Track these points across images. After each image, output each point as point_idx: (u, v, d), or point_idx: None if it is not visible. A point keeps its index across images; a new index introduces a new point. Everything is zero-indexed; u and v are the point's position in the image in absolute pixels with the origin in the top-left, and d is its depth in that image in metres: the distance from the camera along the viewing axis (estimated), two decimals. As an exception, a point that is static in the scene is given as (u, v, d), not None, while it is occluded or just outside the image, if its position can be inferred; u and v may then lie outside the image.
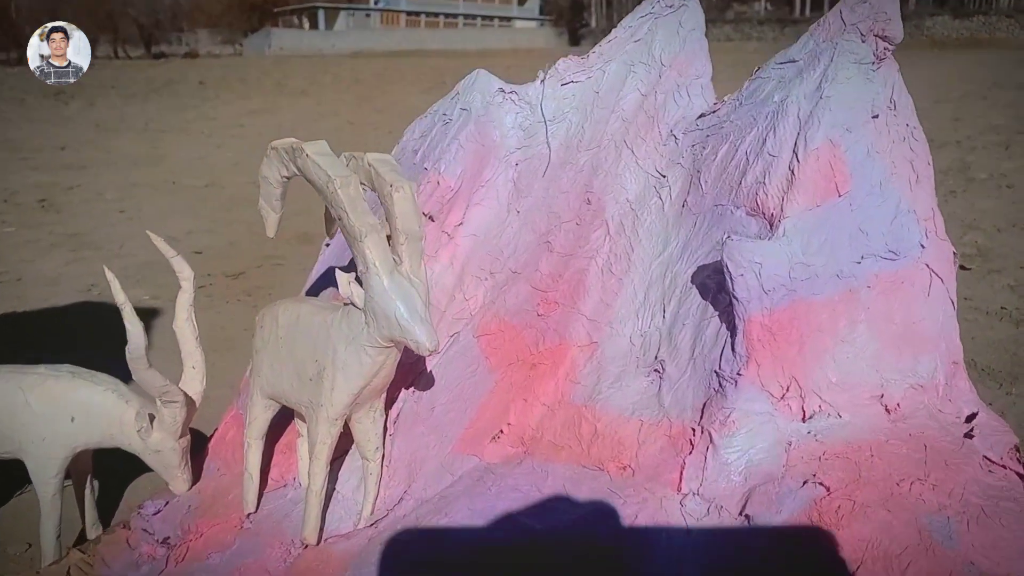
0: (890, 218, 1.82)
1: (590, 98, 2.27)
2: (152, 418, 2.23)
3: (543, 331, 2.01)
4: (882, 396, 1.77)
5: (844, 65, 1.81)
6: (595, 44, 2.40)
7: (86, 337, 4.12)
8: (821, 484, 1.60)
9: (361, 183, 1.78)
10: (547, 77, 2.34)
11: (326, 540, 1.89)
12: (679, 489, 1.69)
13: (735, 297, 1.73)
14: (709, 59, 2.22)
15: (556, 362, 1.95)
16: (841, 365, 1.76)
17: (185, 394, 2.27)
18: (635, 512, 1.64)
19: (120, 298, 2.17)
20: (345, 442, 2.08)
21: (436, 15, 50.57)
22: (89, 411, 2.22)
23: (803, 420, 1.72)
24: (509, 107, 2.33)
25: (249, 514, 2.06)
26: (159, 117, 14.50)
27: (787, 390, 1.72)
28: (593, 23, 57.14)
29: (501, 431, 1.91)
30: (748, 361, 1.71)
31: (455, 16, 51.09)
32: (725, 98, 2.08)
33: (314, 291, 2.54)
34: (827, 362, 1.75)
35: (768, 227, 1.81)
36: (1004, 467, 1.69)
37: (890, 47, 1.81)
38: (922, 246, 1.83)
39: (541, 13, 55.88)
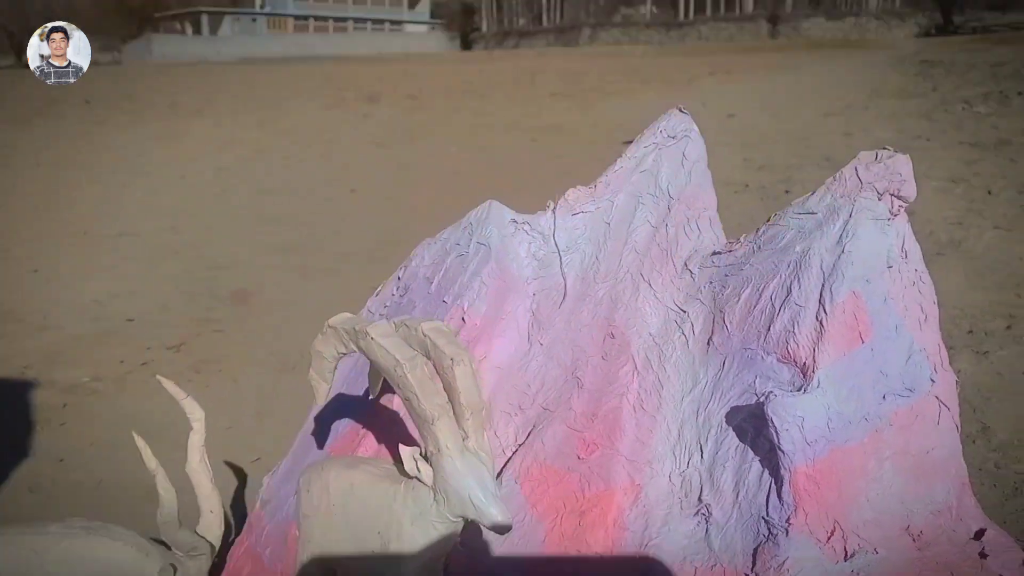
0: (905, 358, 1.97)
1: (601, 229, 2.35)
2: (175, 568, 2.20)
3: (587, 476, 2.08)
4: (908, 527, 1.92)
5: (862, 221, 1.96)
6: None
7: (41, 434, 3.95)
8: (874, 626, 1.74)
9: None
10: (557, 207, 2.41)
11: None
12: (741, 637, 1.80)
13: (781, 450, 1.85)
14: (714, 191, 2.33)
15: (604, 510, 2.03)
16: (873, 503, 1.90)
17: (209, 543, 2.24)
18: (704, 666, 1.73)
19: (152, 464, 2.14)
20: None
21: (325, 19, 49.69)
22: (109, 570, 2.16)
23: (845, 559, 1.85)
24: (522, 237, 2.39)
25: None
26: (49, 146, 13.79)
27: (832, 534, 1.85)
28: (484, 27, 57.41)
29: (560, 585, 1.97)
30: (796, 510, 1.84)
31: (344, 20, 50.31)
32: (740, 239, 2.19)
33: (323, 421, 2.53)
34: (862, 502, 1.89)
35: (800, 375, 1.94)
36: None
37: (904, 204, 1.97)
38: (932, 380, 1.99)
39: (432, 17, 55.69)
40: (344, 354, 1.88)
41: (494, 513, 1.70)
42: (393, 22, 53.49)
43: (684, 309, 2.20)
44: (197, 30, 47.51)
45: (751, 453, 1.96)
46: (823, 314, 1.93)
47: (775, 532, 1.85)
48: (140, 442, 2.11)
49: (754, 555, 1.87)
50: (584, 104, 19.77)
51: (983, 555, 1.92)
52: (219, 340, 5.32)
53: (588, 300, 2.29)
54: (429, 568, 1.88)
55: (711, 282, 2.18)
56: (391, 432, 2.28)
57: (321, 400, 1.99)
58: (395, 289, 2.56)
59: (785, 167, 9.64)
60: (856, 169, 2.02)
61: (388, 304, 2.55)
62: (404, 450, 1.79)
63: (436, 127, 16.44)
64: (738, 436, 1.99)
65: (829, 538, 1.85)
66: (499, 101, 21.44)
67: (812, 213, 2.05)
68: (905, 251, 1.99)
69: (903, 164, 1.97)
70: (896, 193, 1.96)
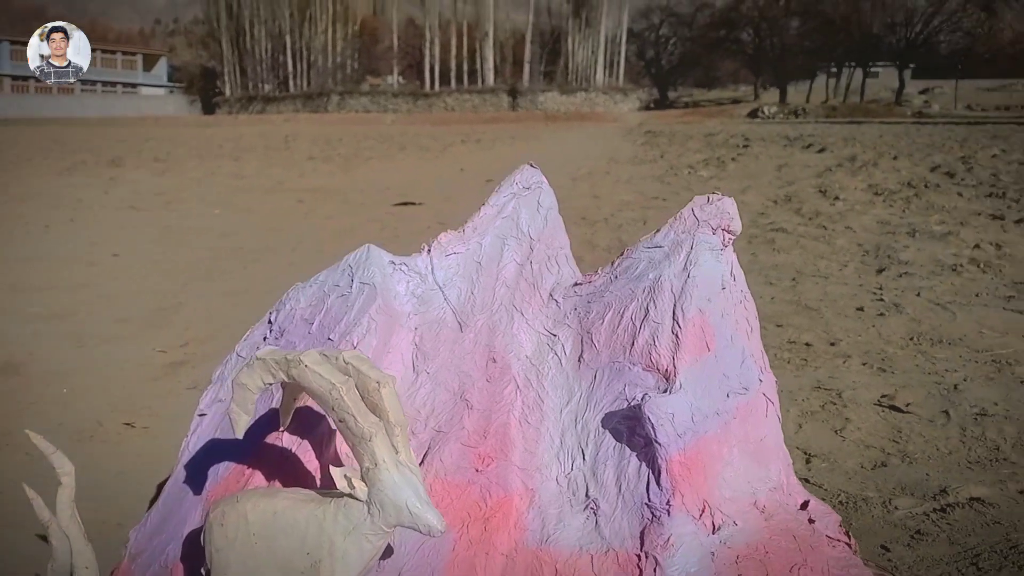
0: (739, 363, 2.39)
1: (473, 267, 2.60)
2: None
3: (486, 486, 2.28)
4: (755, 502, 2.32)
5: (702, 252, 2.37)
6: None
7: None
8: (745, 583, 2.09)
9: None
10: (432, 249, 2.63)
11: None
12: (641, 608, 2.08)
13: (658, 443, 2.18)
14: (565, 233, 2.68)
15: (506, 513, 2.24)
16: (728, 483, 2.28)
17: None
18: (617, 636, 1.99)
19: (45, 515, 2.06)
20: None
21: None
22: None
23: (713, 532, 2.20)
24: (400, 276, 2.57)
25: None
26: None
27: (703, 512, 2.19)
28: (227, 92, 56.09)
29: (473, 585, 2.14)
30: (674, 493, 2.16)
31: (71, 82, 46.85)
32: (598, 270, 2.54)
33: (197, 466, 2.53)
34: (721, 483, 2.26)
35: (663, 379, 2.29)
36: (839, 540, 2.31)
37: (732, 237, 2.41)
38: (760, 380, 2.42)
39: (170, 80, 53.37)
40: (270, 385, 1.97)
41: (430, 518, 1.87)
42: (127, 85, 50.62)
43: (554, 333, 2.49)
44: None
45: (627, 451, 2.27)
46: (677, 328, 2.30)
47: (658, 514, 2.16)
48: (31, 493, 2.02)
49: (641, 537, 2.17)
50: (345, 168, 19.97)
51: (811, 520, 2.35)
52: (-1, 415, 4.86)
53: (468, 330, 2.52)
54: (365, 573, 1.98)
55: (575, 308, 2.50)
56: (283, 467, 2.34)
57: (240, 432, 2.04)
58: (268, 332, 2.63)
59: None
60: (692, 210, 2.44)
61: (261, 347, 2.61)
62: (336, 471, 1.91)
63: (192, 189, 15.85)
64: (615, 437, 2.30)
65: (701, 515, 2.19)
66: (255, 164, 21.09)
67: (659, 247, 2.44)
68: (734, 275, 2.43)
69: (730, 205, 2.42)
70: (727, 228, 2.40)
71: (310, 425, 2.36)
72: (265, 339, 2.64)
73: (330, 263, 2.75)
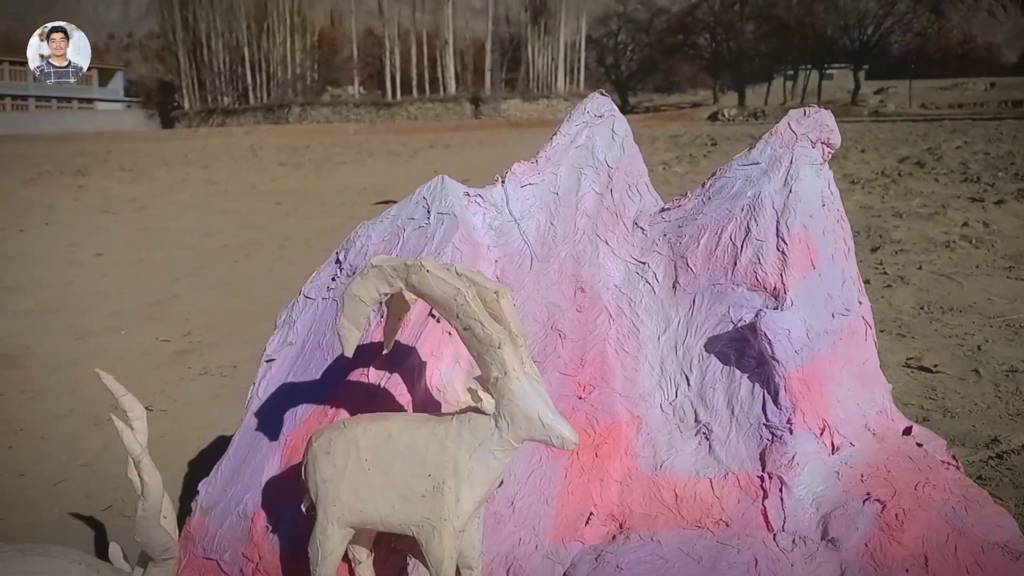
0: (840, 283, 2.30)
1: (550, 198, 2.49)
2: None
3: (592, 413, 2.16)
4: (866, 424, 2.23)
5: (802, 166, 2.28)
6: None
7: None
8: (876, 500, 1.99)
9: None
10: (506, 180, 2.50)
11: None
12: (770, 529, 1.97)
13: (775, 359, 2.08)
14: (643, 161, 2.57)
15: (616, 440, 2.12)
16: (842, 404, 2.19)
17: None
18: (752, 557, 1.88)
19: (136, 449, 1.90)
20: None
21: (1, 97, 44.92)
22: None
23: (833, 452, 2.10)
24: (476, 209, 2.45)
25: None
26: None
27: (823, 431, 2.10)
28: (186, 105, 55.16)
29: (591, 513, 2.02)
30: (795, 411, 2.07)
31: (25, 98, 45.81)
32: (687, 194, 2.44)
33: (270, 412, 2.38)
34: (835, 404, 2.17)
35: (771, 298, 2.19)
36: (950, 465, 2.23)
37: (831, 150, 2.32)
38: (860, 302, 2.34)
39: (127, 94, 52.46)
40: (385, 295, 1.83)
41: (563, 429, 1.74)
42: (82, 100, 49.64)
43: (643, 261, 2.39)
44: None
45: (737, 373, 2.16)
46: (783, 245, 2.21)
47: (779, 434, 2.06)
48: (120, 424, 1.86)
49: (762, 458, 2.07)
50: (317, 172, 19.71)
51: (919, 444, 2.27)
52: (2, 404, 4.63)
53: (552, 261, 2.40)
54: (484, 501, 1.85)
55: (665, 235, 2.39)
56: (370, 405, 2.20)
57: (349, 351, 1.90)
58: (338, 272, 2.48)
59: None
60: (789, 124, 2.35)
61: (332, 287, 2.47)
62: (458, 383, 1.78)
63: (165, 194, 15.53)
64: (721, 361, 2.20)
65: (821, 434, 2.09)
66: (226, 170, 20.75)
67: (756, 163, 2.34)
68: (832, 192, 2.34)
69: (828, 118, 2.34)
70: (826, 142, 2.32)
71: (398, 359, 2.22)
72: (335, 279, 2.49)
73: (321, 257, 2.64)
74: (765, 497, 2.01)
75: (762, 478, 2.04)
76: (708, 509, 2.01)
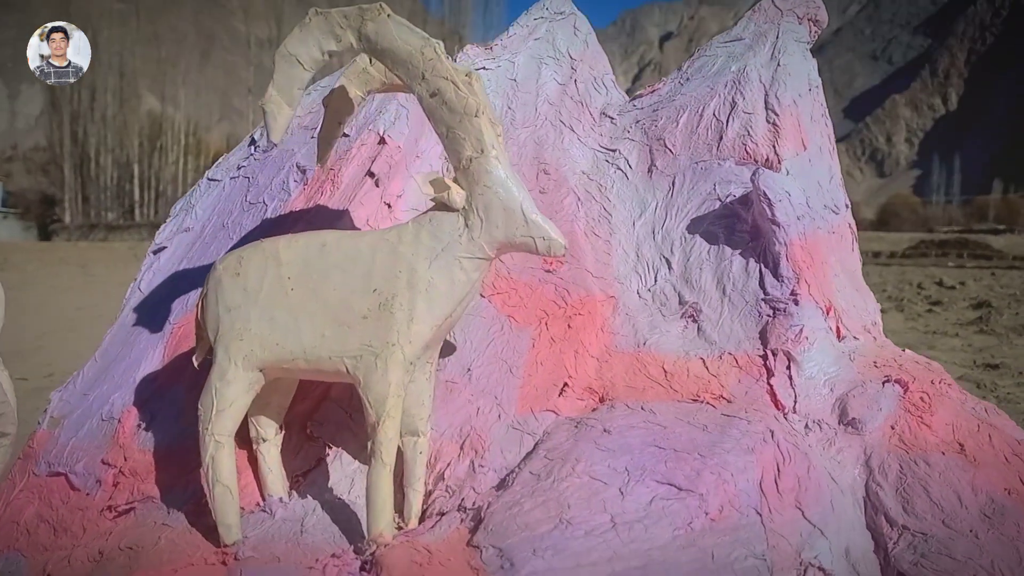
0: (828, 178, 2.06)
1: (507, 84, 2.20)
2: None
3: (562, 286, 1.81)
4: (864, 325, 1.93)
5: (789, 42, 2.08)
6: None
7: None
8: (897, 383, 1.68)
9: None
10: (457, 59, 2.21)
11: (395, 538, 1.36)
12: (779, 408, 1.62)
13: (776, 223, 1.79)
14: (607, 59, 2.34)
15: (591, 312, 1.77)
16: (843, 295, 1.90)
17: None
18: (766, 428, 1.52)
19: None
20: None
21: None
22: None
23: (839, 339, 1.80)
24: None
25: (234, 544, 1.40)
26: None
27: (828, 310, 1.79)
28: (68, 219, 52.68)
29: (566, 384, 1.64)
30: (799, 280, 1.76)
31: None
32: (662, 79, 2.20)
33: (155, 303, 1.92)
34: (836, 291, 1.87)
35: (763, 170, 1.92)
36: (950, 385, 1.94)
37: (819, 29, 2.13)
38: (846, 206, 2.10)
39: (4, 205, 50.09)
40: (329, 54, 1.45)
41: (549, 228, 1.38)
42: (-47, 206, 46.96)
43: (612, 149, 2.11)
44: None
45: (728, 250, 1.87)
46: (773, 116, 1.98)
47: (782, 307, 1.75)
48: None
49: (762, 336, 1.74)
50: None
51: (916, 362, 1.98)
52: None
53: (511, 144, 2.08)
54: (444, 330, 1.44)
55: (638, 121, 2.13)
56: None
57: (276, 134, 1.48)
58: (252, 151, 2.09)
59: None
60: (773, 0, 2.16)
61: (244, 164, 2.07)
62: (419, 175, 1.41)
63: (39, 282, 14.52)
64: (707, 240, 1.90)
65: (827, 314, 1.79)
66: (106, 270, 19.73)
67: (740, 39, 2.14)
68: (817, 80, 2.13)
69: (815, -6, 2.16)
70: (813, 19, 2.13)
71: (323, 223, 1.82)
72: (247, 159, 2.10)
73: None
74: (771, 376, 1.67)
75: (764, 356, 1.71)
76: (705, 385, 1.66)
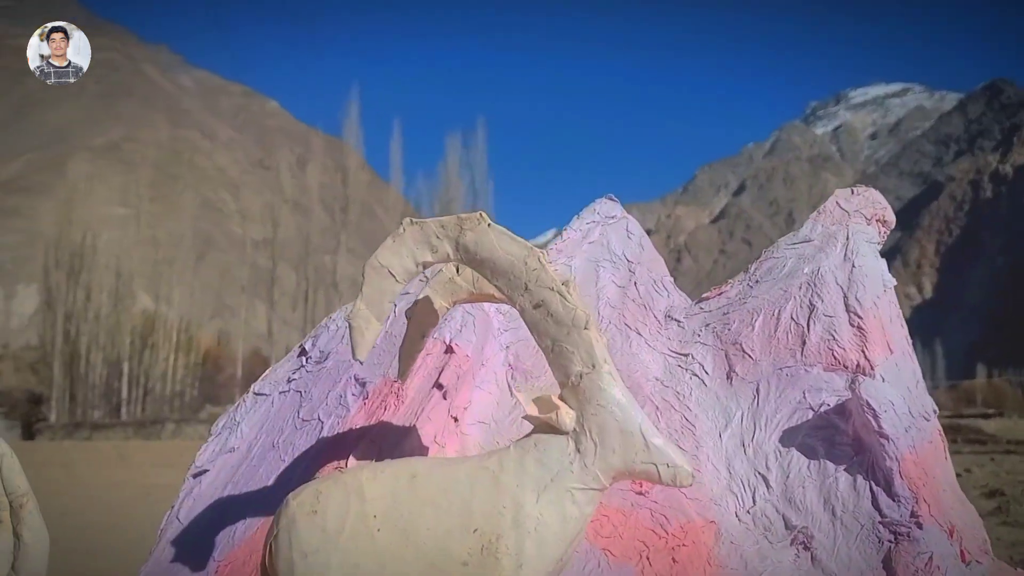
0: (915, 382, 1.94)
1: (566, 288, 2.12)
2: None
3: (658, 511, 1.63)
4: (982, 548, 1.74)
5: (860, 243, 2.03)
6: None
7: None
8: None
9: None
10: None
11: None
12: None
13: (884, 436, 1.65)
14: (663, 261, 2.28)
15: (696, 543, 1.58)
16: (956, 513, 1.72)
17: None
18: None
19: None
20: None
21: None
22: None
23: (964, 563, 1.61)
24: (481, 293, 2.04)
25: None
26: None
27: (952, 532, 1.61)
28: (53, 418, 51.73)
29: (679, 630, 1.42)
30: (917, 500, 1.60)
31: None
32: (727, 282, 2.12)
33: (195, 534, 1.72)
34: (950, 508, 1.70)
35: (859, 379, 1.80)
36: None
37: (887, 230, 2.08)
38: (935, 411, 1.96)
39: (-10, 402, 49.43)
40: (422, 266, 1.34)
41: (674, 453, 1.23)
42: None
43: (684, 353, 1.99)
44: None
45: (830, 466, 1.71)
46: (856, 319, 1.88)
47: (904, 531, 1.57)
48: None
49: (886, 565, 1.55)
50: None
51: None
52: None
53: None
54: (561, 566, 1.24)
55: (707, 325, 2.03)
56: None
57: (361, 353, 1.35)
58: (303, 362, 1.97)
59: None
60: (837, 202, 2.13)
61: (295, 377, 1.94)
62: (523, 392, 1.27)
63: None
64: (806, 455, 1.75)
65: (951, 536, 1.60)
66: (90, 471, 19.16)
67: (808, 241, 2.08)
68: (891, 279, 2.06)
69: (878, 195, 2.12)
70: (881, 219, 2.08)
71: (388, 444, 1.66)
72: (297, 371, 1.96)
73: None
74: (903, 612, 1.47)
75: (889, 589, 1.50)
76: (838, 626, 1.44)
